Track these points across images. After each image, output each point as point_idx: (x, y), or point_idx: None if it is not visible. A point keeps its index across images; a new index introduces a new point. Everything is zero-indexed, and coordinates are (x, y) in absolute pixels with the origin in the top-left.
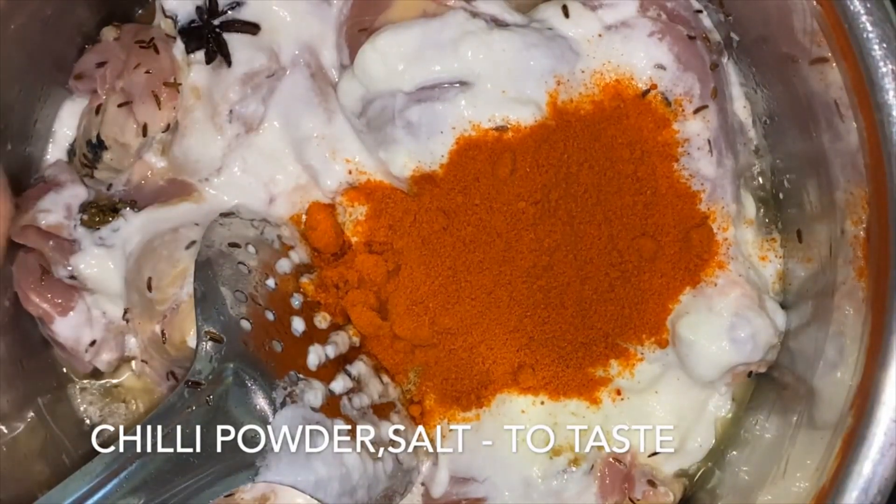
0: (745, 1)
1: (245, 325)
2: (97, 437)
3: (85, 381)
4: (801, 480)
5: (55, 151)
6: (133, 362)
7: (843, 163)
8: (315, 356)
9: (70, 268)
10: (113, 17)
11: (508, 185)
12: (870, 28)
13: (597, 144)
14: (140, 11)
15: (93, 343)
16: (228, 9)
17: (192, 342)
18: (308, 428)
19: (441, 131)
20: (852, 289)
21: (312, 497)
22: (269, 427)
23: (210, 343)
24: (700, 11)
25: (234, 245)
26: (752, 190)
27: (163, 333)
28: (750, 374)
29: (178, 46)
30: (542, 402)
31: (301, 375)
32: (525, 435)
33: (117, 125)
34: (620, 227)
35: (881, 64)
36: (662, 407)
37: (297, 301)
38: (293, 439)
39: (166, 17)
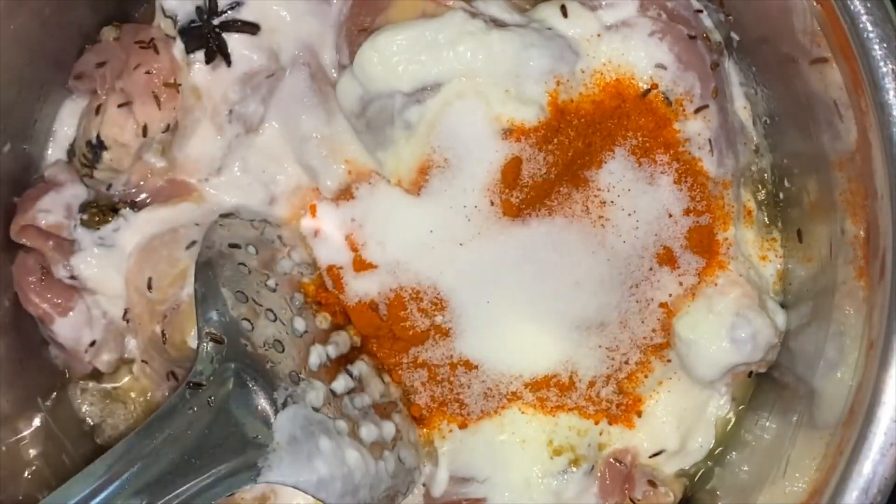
0: (746, 1)
1: (246, 325)
2: (98, 437)
3: (84, 382)
4: (801, 480)
5: (55, 151)
6: (133, 365)
7: (843, 163)
8: (316, 356)
9: (70, 268)
10: (113, 17)
11: (515, 187)
12: (870, 28)
13: (599, 144)
14: (140, 11)
15: (93, 343)
16: (228, 9)
17: (192, 342)
18: (310, 428)
19: None
20: (852, 289)
21: (315, 497)
22: (271, 427)
23: (211, 344)
24: (700, 11)
25: (234, 246)
26: (753, 190)
27: (163, 334)
28: (750, 374)
29: (178, 46)
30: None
31: (302, 376)
32: (525, 435)
33: (117, 125)
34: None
35: (881, 64)
36: (663, 407)
37: (297, 301)
38: (295, 439)
39: (166, 17)
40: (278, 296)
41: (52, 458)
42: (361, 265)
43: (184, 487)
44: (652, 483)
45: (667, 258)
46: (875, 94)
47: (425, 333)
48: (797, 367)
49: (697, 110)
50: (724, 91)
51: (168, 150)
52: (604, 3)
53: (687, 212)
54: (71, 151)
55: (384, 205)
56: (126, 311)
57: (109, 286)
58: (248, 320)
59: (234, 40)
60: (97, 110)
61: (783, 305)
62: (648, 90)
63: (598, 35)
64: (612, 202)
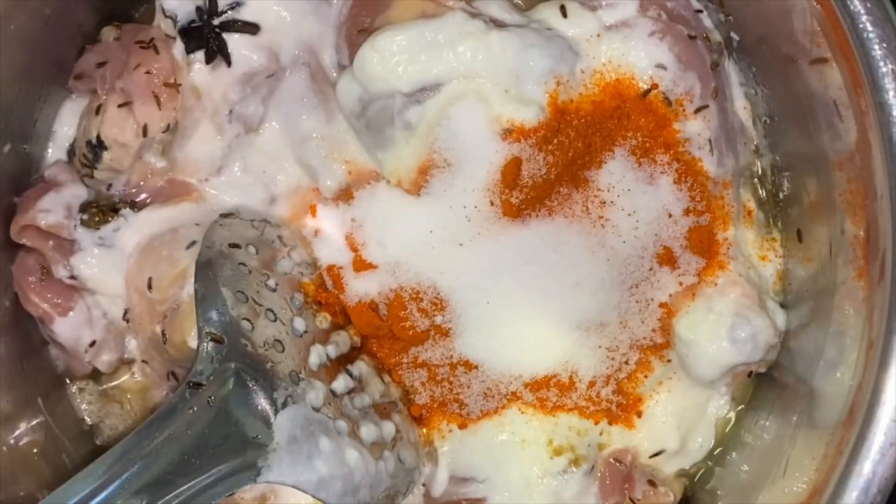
0: (745, 1)
1: (246, 325)
2: (98, 437)
3: (84, 382)
4: (801, 480)
5: (55, 151)
6: (133, 365)
7: (843, 163)
8: (316, 356)
9: (70, 268)
10: (113, 17)
11: (515, 187)
12: (870, 28)
13: (599, 144)
14: (140, 11)
15: (93, 343)
16: (228, 9)
17: (192, 342)
18: (310, 428)
19: None
20: (852, 289)
21: (315, 497)
22: (271, 427)
23: (211, 344)
24: (700, 11)
25: (234, 246)
26: (753, 190)
27: (163, 334)
28: (750, 374)
29: (178, 46)
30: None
31: (302, 376)
32: (525, 435)
33: (117, 125)
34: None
35: (881, 64)
36: (663, 407)
37: (297, 301)
38: (295, 439)
39: (166, 17)
40: (278, 296)
41: (52, 458)
42: (361, 265)
43: (184, 487)
44: (652, 483)
45: (667, 258)
46: (875, 94)
47: (425, 333)
48: (797, 367)
49: (697, 110)
50: (724, 91)
51: (168, 150)
52: (604, 3)
53: (687, 212)
54: (71, 151)
55: (384, 205)
56: (126, 311)
57: (109, 286)
58: (248, 320)
59: (234, 40)
60: (97, 110)
61: (783, 305)
62: (648, 90)
63: (598, 35)
64: (612, 202)
